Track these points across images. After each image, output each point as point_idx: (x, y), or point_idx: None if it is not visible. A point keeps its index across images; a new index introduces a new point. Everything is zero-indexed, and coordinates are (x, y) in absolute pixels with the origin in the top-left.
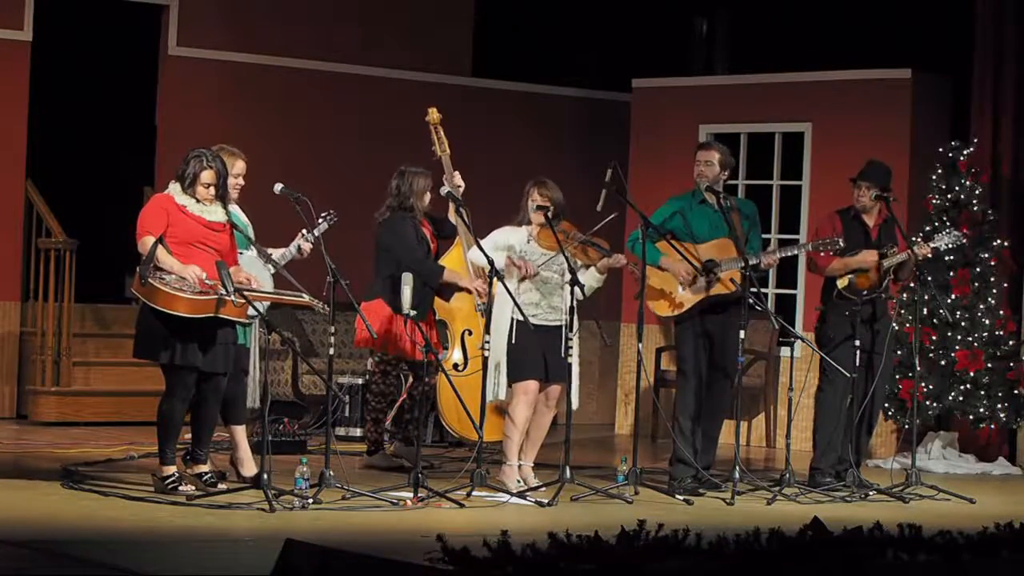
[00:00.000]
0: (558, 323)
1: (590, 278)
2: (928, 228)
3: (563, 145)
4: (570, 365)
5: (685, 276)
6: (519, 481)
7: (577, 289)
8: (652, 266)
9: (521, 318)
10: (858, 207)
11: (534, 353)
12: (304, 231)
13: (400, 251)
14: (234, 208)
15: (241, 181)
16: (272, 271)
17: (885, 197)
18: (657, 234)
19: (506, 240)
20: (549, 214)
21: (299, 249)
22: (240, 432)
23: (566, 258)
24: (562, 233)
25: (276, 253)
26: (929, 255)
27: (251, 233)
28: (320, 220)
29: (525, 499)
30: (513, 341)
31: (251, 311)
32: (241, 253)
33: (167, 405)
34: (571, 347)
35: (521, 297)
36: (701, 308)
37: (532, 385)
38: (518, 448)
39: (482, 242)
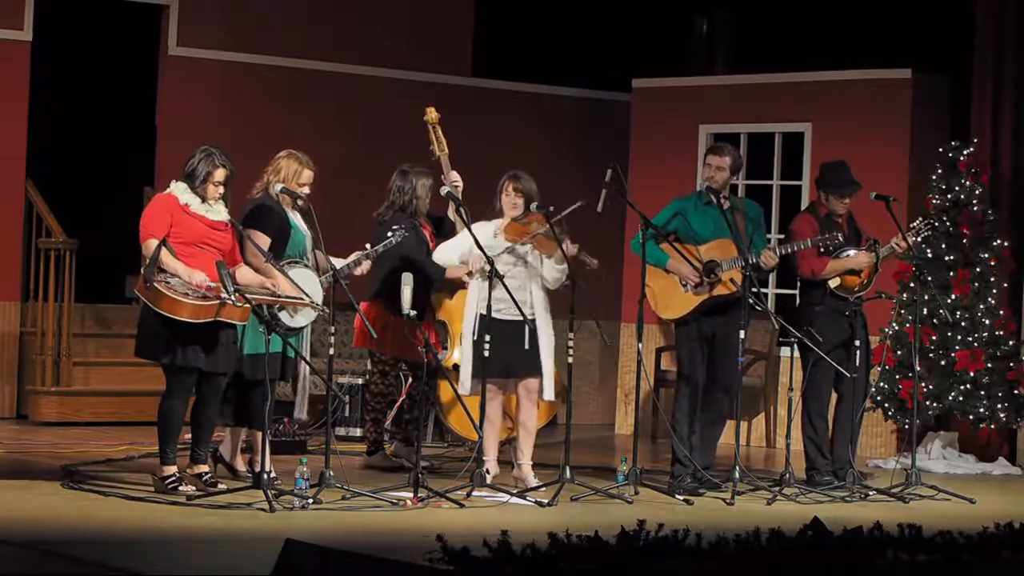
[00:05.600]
0: (521, 317)
1: (549, 269)
2: (913, 224)
3: (563, 145)
4: (539, 358)
5: (690, 278)
6: (487, 471)
7: (546, 280)
8: (658, 268)
9: (484, 312)
10: (839, 211)
11: (494, 350)
12: (369, 245)
13: (398, 254)
14: (297, 218)
15: (307, 190)
16: (325, 283)
17: (886, 198)
18: (658, 235)
19: (468, 240)
20: (532, 206)
21: (357, 262)
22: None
23: (506, 253)
24: (524, 224)
25: (338, 264)
26: (908, 248)
27: (309, 244)
28: (389, 235)
29: (525, 499)
30: (475, 337)
31: (299, 322)
32: (297, 262)
33: (167, 405)
34: (534, 339)
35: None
36: (702, 310)
37: (491, 384)
38: (490, 444)
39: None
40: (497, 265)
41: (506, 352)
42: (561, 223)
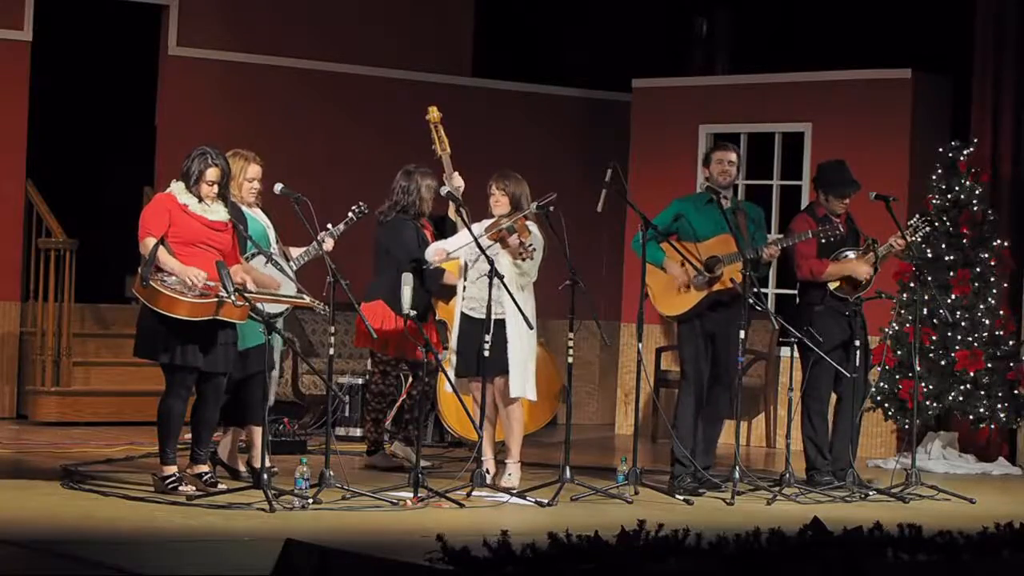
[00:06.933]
0: (495, 316)
1: (507, 266)
2: (911, 222)
3: (563, 145)
4: (505, 356)
5: (682, 280)
6: (487, 471)
7: (517, 277)
8: (655, 266)
9: (466, 311)
10: (838, 211)
11: (470, 349)
12: (330, 225)
13: (400, 253)
14: (256, 212)
15: (257, 185)
16: (294, 270)
17: (886, 198)
18: (659, 235)
19: (454, 239)
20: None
21: (322, 243)
22: (258, 432)
23: (482, 251)
24: (495, 221)
25: (297, 252)
26: (906, 246)
27: (272, 236)
28: (349, 214)
29: (525, 499)
30: (457, 335)
31: (276, 308)
32: (258, 254)
33: (167, 405)
34: (488, 340)
35: (467, 292)
36: (704, 307)
37: (472, 383)
38: (486, 443)
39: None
40: (478, 265)
41: (478, 351)
42: (556, 218)
